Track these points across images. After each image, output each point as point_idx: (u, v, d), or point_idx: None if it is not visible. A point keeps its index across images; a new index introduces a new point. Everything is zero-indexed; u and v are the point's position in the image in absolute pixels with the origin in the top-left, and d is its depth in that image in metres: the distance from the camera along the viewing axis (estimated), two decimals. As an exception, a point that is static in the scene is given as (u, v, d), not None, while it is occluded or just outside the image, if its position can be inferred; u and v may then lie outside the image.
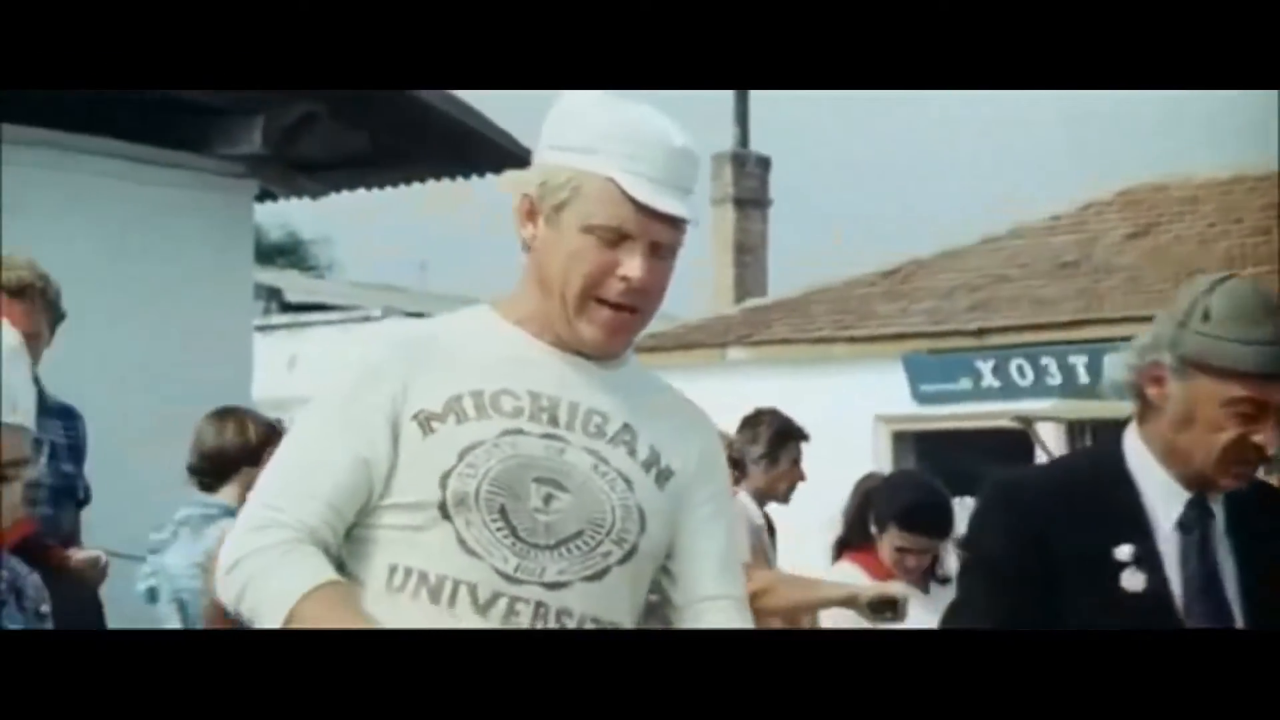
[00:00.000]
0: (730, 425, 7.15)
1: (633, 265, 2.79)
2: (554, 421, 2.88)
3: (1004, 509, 3.99)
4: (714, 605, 2.97)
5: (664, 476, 2.95)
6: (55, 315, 5.53)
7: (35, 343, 5.17)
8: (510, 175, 3.01)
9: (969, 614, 3.87)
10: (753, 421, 7.36)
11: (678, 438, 3.00)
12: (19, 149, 9.42)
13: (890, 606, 5.61)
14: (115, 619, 5.42)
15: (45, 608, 2.69)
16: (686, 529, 2.98)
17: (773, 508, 7.65)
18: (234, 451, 5.95)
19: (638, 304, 2.86)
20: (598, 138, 2.81)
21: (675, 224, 2.85)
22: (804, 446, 7.30)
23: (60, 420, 5.65)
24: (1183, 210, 19.15)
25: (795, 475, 6.95)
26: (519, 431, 2.84)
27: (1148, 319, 11.53)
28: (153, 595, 5.74)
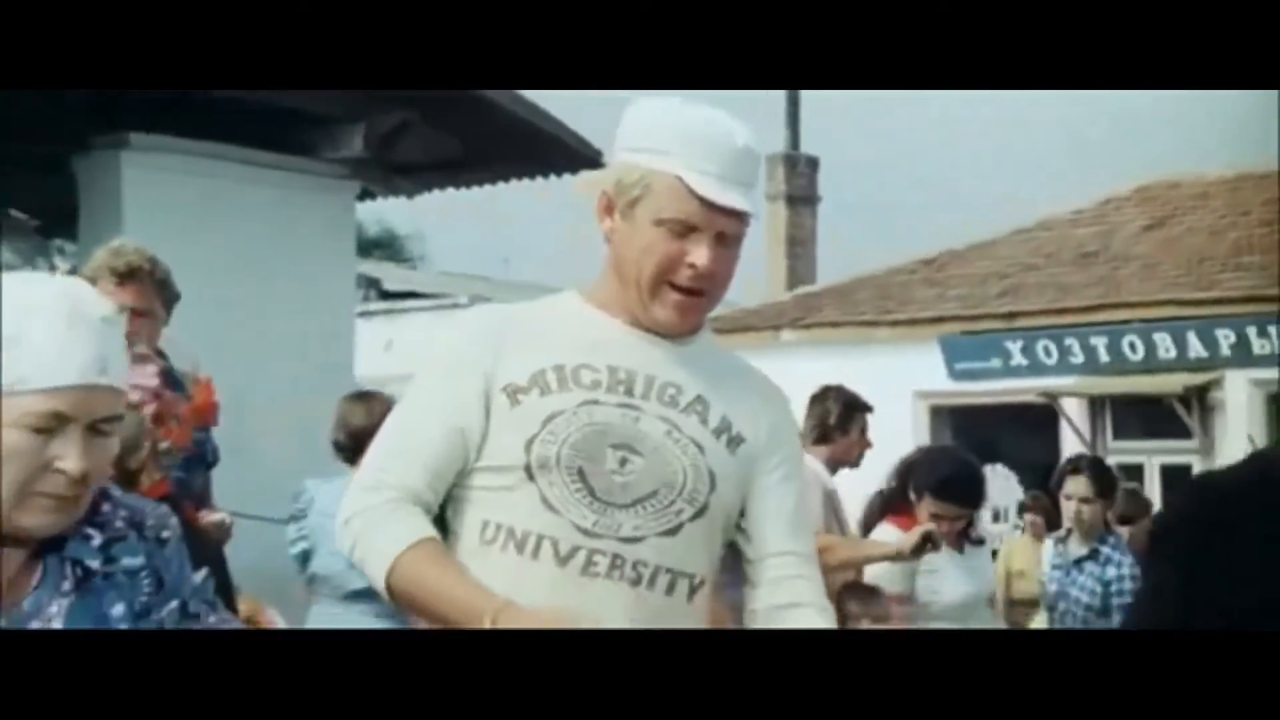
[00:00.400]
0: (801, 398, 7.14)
1: (699, 254, 2.82)
2: (630, 393, 2.91)
3: (1199, 501, 3.90)
4: (783, 560, 3.00)
5: (735, 443, 2.96)
6: (168, 295, 5.55)
7: (152, 320, 5.39)
8: (587, 176, 3.13)
9: (1157, 604, 3.77)
10: (821, 397, 7.26)
11: (749, 408, 3.02)
12: (155, 155, 9.76)
13: (927, 540, 5.74)
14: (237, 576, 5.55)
15: (167, 533, 2.62)
16: (758, 491, 3.01)
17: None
18: (376, 429, 5.83)
19: (704, 288, 2.88)
20: (666, 139, 2.84)
21: (738, 216, 2.87)
22: (867, 417, 7.29)
23: (173, 385, 5.65)
24: (1195, 204, 19.08)
25: (864, 444, 6.93)
26: (596, 402, 2.87)
27: (1163, 303, 14.88)
28: (305, 558, 5.91)
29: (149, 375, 5.33)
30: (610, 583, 2.83)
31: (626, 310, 2.94)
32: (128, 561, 2.41)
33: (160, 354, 5.57)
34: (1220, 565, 3.28)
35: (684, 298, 2.86)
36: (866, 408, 7.11)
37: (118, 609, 2.38)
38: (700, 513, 2.89)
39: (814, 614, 2.99)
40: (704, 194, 2.82)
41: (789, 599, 2.99)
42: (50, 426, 2.25)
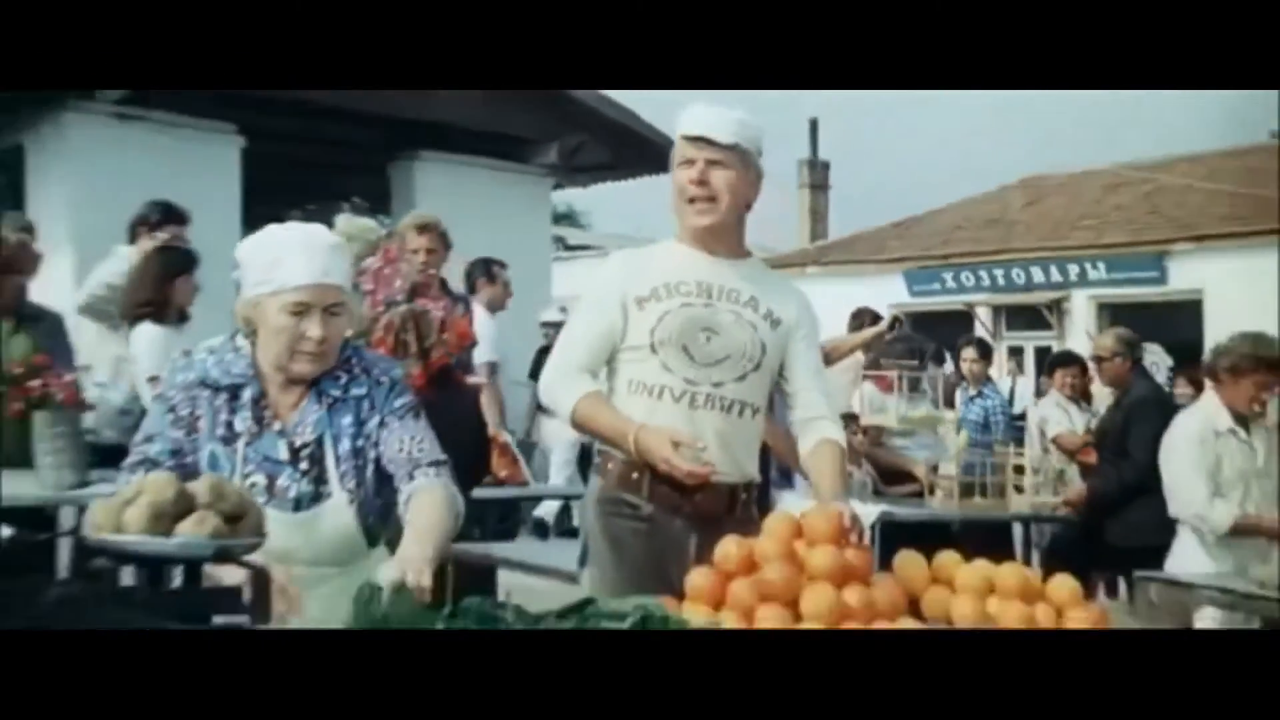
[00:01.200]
0: (824, 316, 6.67)
1: (692, 173, 2.92)
2: (709, 295, 2.97)
3: (1155, 396, 5.08)
4: (809, 392, 3.08)
5: (775, 323, 3.02)
6: (446, 243, 5.70)
7: (438, 255, 5.64)
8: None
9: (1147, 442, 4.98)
10: (858, 315, 7.34)
11: (782, 301, 3.06)
12: (438, 165, 11.59)
13: (895, 323, 6.24)
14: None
15: (385, 379, 2.63)
16: (792, 353, 3.05)
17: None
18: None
19: (700, 195, 2.94)
20: (682, 123, 2.94)
21: (708, 144, 2.90)
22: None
23: (456, 301, 5.75)
24: (1056, 189, 20.03)
25: (881, 339, 6.56)
26: (689, 304, 2.96)
27: (1035, 249, 17.89)
28: None
29: (436, 292, 5.51)
30: (706, 411, 2.96)
31: (695, 242, 3.01)
32: (355, 391, 2.55)
33: (443, 282, 5.76)
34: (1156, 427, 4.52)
35: (690, 205, 2.96)
36: (879, 317, 7.02)
37: (347, 420, 2.56)
38: (757, 368, 2.98)
39: (829, 424, 3.06)
40: (681, 131, 2.94)
41: (814, 414, 3.06)
42: (300, 311, 2.41)
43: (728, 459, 2.94)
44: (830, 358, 5.36)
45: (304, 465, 2.49)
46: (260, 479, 2.45)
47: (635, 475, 2.90)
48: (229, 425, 2.44)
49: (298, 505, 2.48)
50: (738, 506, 2.98)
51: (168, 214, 5.91)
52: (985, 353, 8.43)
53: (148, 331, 5.02)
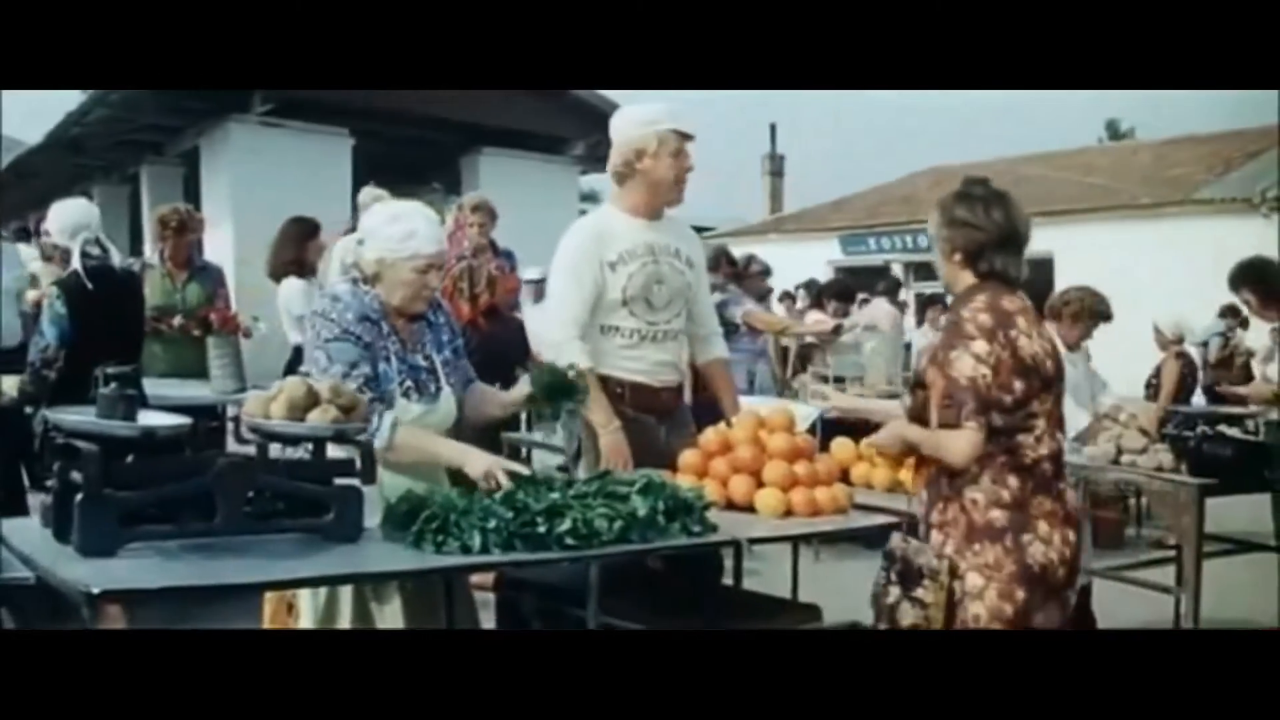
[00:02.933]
0: (780, 271, 7.70)
1: (686, 163, 2.92)
2: (653, 254, 2.96)
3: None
4: (701, 311, 3.13)
5: (691, 265, 3.04)
6: (494, 216, 5.31)
7: (489, 227, 5.24)
8: (628, 150, 2.95)
9: None
10: (809, 286, 7.79)
11: (691, 246, 3.08)
12: (498, 159, 11.54)
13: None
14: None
15: (444, 317, 2.64)
16: (697, 283, 3.08)
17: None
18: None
19: (684, 179, 2.97)
20: (658, 119, 2.90)
21: (689, 138, 2.92)
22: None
23: (506, 257, 5.44)
24: (958, 172, 18.77)
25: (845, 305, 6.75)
26: (644, 263, 2.94)
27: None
28: None
29: (489, 253, 5.19)
30: (667, 342, 3.01)
31: (639, 212, 2.95)
32: (439, 320, 2.61)
33: (493, 243, 5.36)
34: None
35: (678, 187, 2.96)
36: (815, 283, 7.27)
37: (443, 338, 2.60)
38: (687, 303, 3.04)
39: (718, 341, 3.16)
40: (686, 130, 2.89)
41: (707, 330, 3.14)
42: (426, 270, 2.45)
43: (676, 370, 3.03)
44: (784, 333, 5.59)
45: (431, 369, 2.52)
46: (411, 382, 2.46)
47: (620, 391, 2.91)
48: (386, 348, 2.44)
49: (434, 396, 2.50)
50: (680, 401, 3.10)
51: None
52: (893, 292, 8.60)
53: (293, 284, 4.97)
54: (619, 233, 2.91)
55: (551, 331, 2.92)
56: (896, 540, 2.14)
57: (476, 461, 2.25)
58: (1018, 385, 2.09)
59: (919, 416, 2.15)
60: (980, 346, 2.08)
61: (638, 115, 2.91)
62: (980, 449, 2.07)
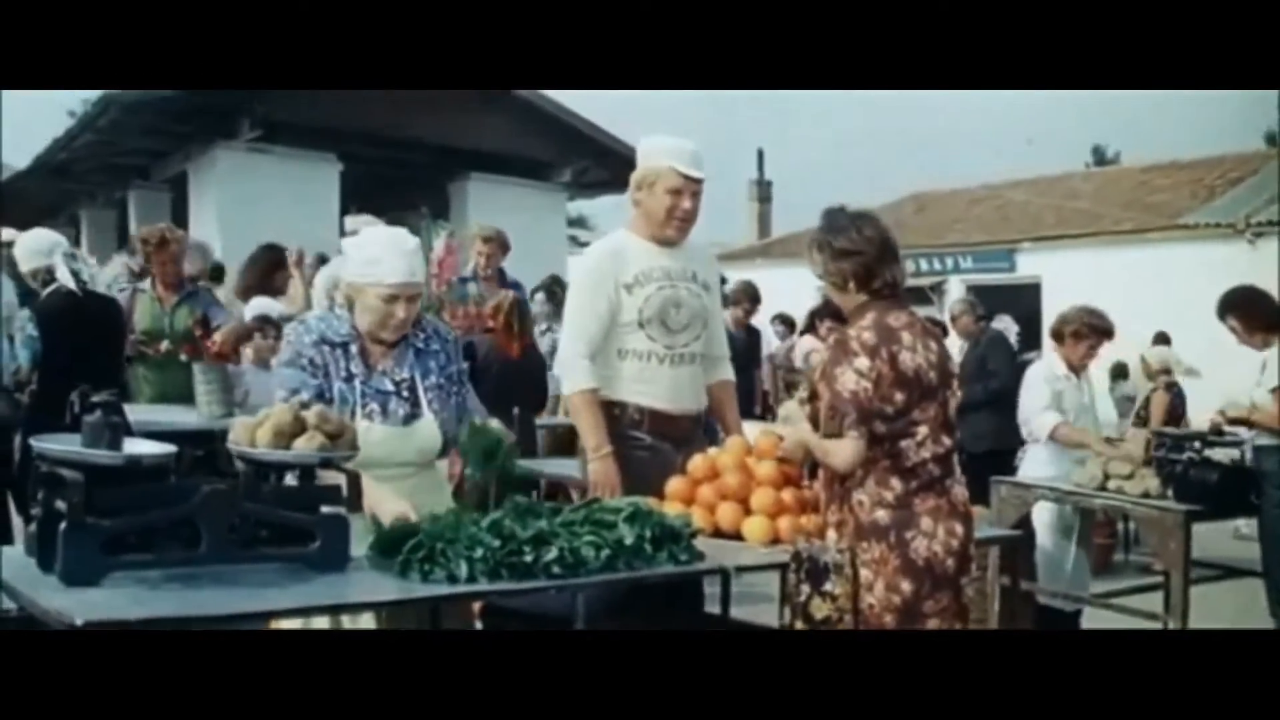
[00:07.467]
0: (768, 295, 7.42)
1: (684, 202, 2.90)
2: (670, 278, 2.93)
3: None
4: (714, 334, 3.07)
5: (707, 288, 3.01)
6: (505, 246, 5.55)
7: (498, 255, 5.51)
8: (633, 178, 2.96)
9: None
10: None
11: (708, 270, 3.06)
12: (485, 185, 11.59)
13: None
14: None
15: (451, 337, 2.66)
16: (711, 307, 3.06)
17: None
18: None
19: (685, 218, 2.94)
20: (661, 153, 2.91)
21: (695, 181, 2.90)
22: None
23: (513, 287, 5.50)
24: (938, 201, 18.96)
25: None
26: (660, 286, 2.92)
27: (921, 245, 15.46)
28: None
29: (495, 282, 5.40)
30: (684, 366, 2.94)
31: (653, 237, 2.95)
32: (434, 346, 2.57)
33: (501, 272, 5.58)
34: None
35: (673, 222, 2.93)
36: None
37: (432, 364, 2.56)
38: (705, 326, 2.99)
39: (726, 365, 3.10)
40: (685, 172, 2.85)
41: (718, 352, 3.09)
42: (390, 299, 2.43)
43: (695, 397, 2.96)
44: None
45: (404, 394, 2.48)
46: (376, 406, 2.44)
47: (638, 417, 2.87)
48: (348, 370, 2.43)
49: (405, 421, 2.47)
50: (699, 430, 3.01)
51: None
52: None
53: (260, 302, 5.11)
54: (635, 255, 2.91)
55: (562, 349, 2.93)
56: (801, 543, 2.28)
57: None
58: (898, 396, 2.25)
59: (816, 424, 2.32)
60: (862, 363, 2.25)
61: (646, 145, 2.94)
62: (862, 456, 2.24)
